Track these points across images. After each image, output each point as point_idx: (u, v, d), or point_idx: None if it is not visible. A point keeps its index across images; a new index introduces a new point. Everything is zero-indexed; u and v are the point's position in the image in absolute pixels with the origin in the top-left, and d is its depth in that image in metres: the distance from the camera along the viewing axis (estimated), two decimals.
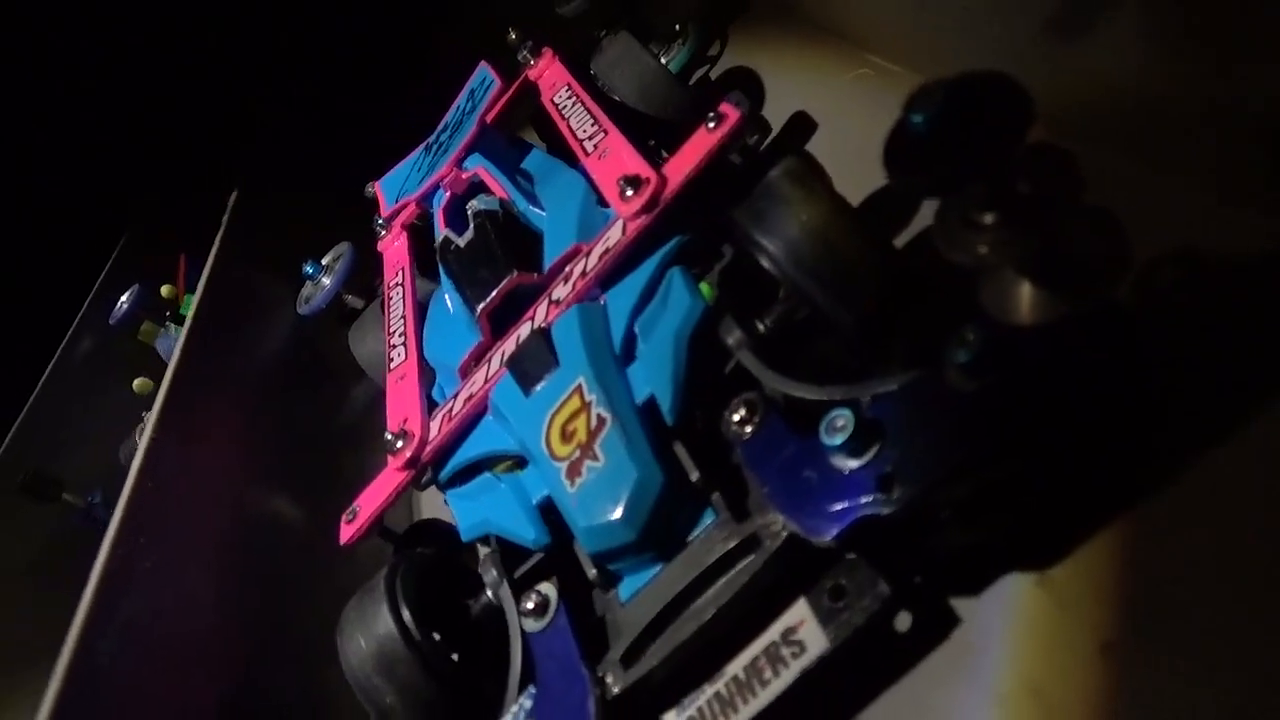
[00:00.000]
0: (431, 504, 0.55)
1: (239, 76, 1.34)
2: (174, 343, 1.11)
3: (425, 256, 0.60)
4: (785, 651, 0.30)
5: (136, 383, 1.06)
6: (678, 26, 0.66)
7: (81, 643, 0.34)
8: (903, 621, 0.30)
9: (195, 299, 0.61)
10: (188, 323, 0.58)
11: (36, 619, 0.76)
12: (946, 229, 0.25)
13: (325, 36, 1.39)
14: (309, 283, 0.69)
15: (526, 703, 0.33)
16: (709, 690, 0.31)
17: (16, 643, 0.72)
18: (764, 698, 0.30)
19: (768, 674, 0.30)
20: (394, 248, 0.61)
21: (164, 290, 1.17)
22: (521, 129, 0.66)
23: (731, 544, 0.31)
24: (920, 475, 0.26)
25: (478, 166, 0.53)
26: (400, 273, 0.57)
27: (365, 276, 0.72)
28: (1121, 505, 0.27)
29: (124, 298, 1.14)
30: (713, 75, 0.64)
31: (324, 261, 0.69)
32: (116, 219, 1.44)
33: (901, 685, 0.29)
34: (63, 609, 0.82)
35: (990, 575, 0.29)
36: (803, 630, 0.30)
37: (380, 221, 0.63)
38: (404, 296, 0.54)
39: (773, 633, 0.30)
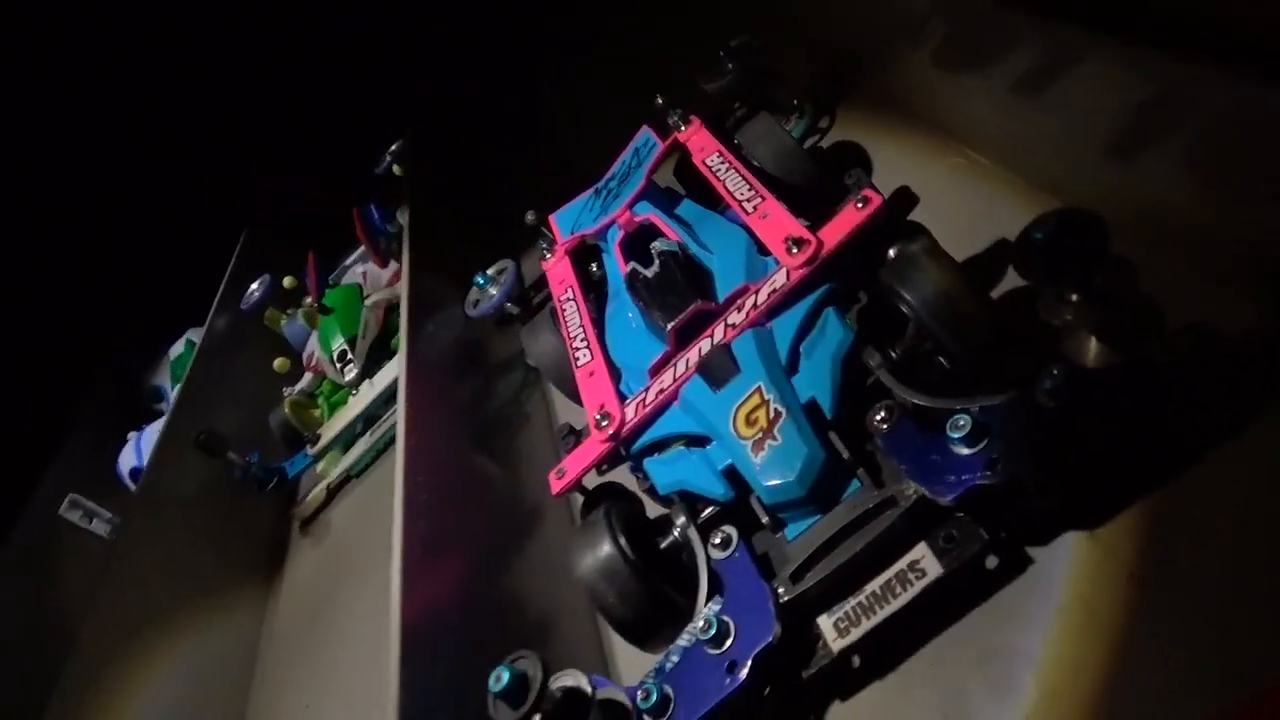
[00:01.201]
0: None
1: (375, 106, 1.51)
2: (300, 329, 1.27)
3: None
4: (911, 575, 0.44)
5: (276, 362, 1.21)
6: (796, 102, 0.80)
7: (405, 535, 0.48)
8: (991, 562, 0.44)
9: (404, 301, 0.75)
10: (404, 323, 0.72)
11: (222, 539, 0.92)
12: (1047, 302, 0.40)
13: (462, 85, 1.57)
14: (476, 289, 0.84)
15: (715, 606, 0.47)
16: (852, 601, 0.45)
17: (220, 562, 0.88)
18: (894, 605, 0.43)
19: (898, 590, 0.44)
20: (558, 268, 0.75)
21: (286, 281, 1.32)
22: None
23: (873, 502, 0.45)
24: (1017, 459, 0.40)
25: (648, 213, 0.67)
26: (569, 290, 0.71)
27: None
28: (1148, 490, 0.41)
29: (254, 286, 1.30)
30: (823, 145, 0.78)
31: (490, 273, 0.84)
32: (238, 214, 1.60)
33: (989, 603, 0.43)
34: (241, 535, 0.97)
35: (1055, 532, 0.42)
36: (923, 562, 0.43)
37: (545, 245, 0.77)
38: (578, 309, 0.69)
39: (901, 563, 0.44)
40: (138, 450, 1.36)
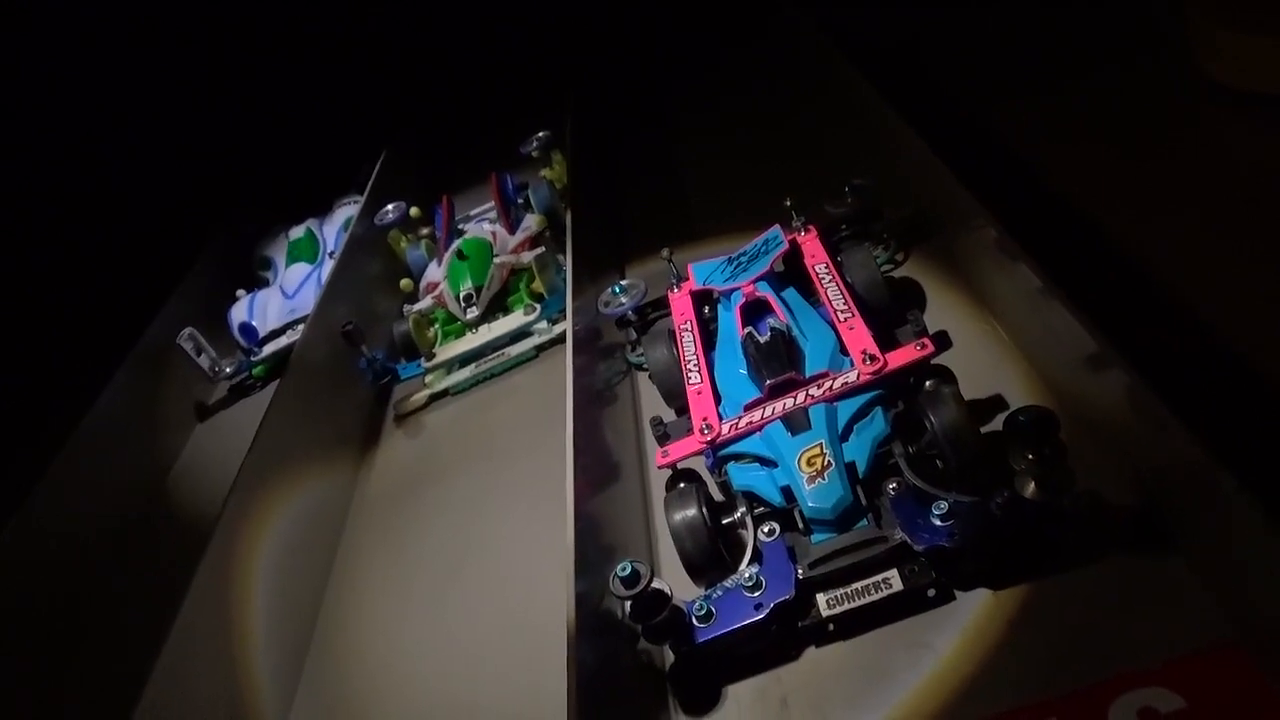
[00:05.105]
0: None
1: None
2: (419, 256, 1.52)
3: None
4: (882, 585, 0.70)
5: (402, 282, 1.46)
6: (885, 235, 1.07)
7: (575, 475, 0.74)
8: (931, 592, 0.70)
9: (568, 288, 1.01)
10: (570, 310, 0.98)
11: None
12: (1014, 452, 0.66)
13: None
14: (609, 294, 1.09)
15: (754, 569, 0.73)
16: (841, 590, 0.71)
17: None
18: (866, 600, 0.70)
19: (871, 592, 0.70)
20: (681, 302, 1.01)
21: (413, 211, 1.57)
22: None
23: (872, 536, 0.72)
24: (968, 538, 0.67)
25: (766, 292, 0.93)
26: (689, 322, 0.97)
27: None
28: (1035, 576, 0.68)
29: (390, 208, 1.56)
30: (895, 274, 1.05)
31: (624, 284, 1.09)
32: (376, 143, 1.84)
33: (923, 616, 0.70)
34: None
35: (973, 585, 0.70)
36: (892, 580, 0.70)
37: (674, 282, 1.03)
38: (694, 339, 0.95)
39: (878, 576, 0.71)
40: (250, 308, 1.59)
